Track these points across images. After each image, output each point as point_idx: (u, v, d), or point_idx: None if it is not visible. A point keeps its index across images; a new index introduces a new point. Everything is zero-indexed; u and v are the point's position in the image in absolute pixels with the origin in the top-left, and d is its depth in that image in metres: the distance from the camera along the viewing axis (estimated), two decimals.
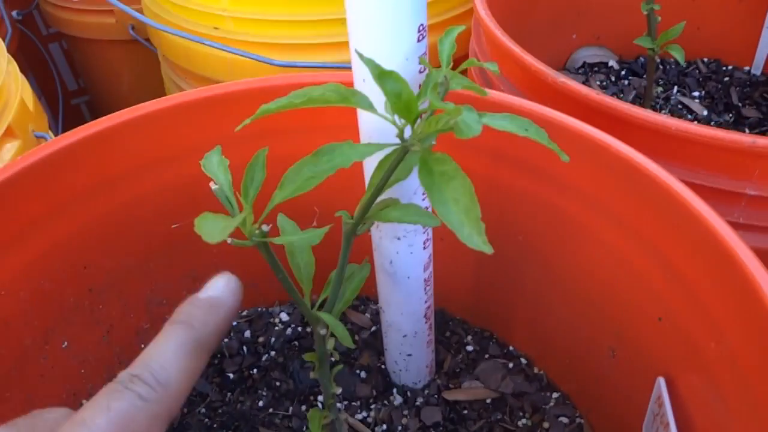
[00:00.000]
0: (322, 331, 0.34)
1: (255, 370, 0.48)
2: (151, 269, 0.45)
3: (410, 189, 0.35)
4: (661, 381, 0.34)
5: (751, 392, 0.28)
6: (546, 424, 0.45)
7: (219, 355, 0.49)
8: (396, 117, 0.27)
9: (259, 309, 0.53)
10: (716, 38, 0.72)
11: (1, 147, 0.50)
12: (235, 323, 0.51)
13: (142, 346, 0.48)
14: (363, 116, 0.33)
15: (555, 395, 0.47)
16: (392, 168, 0.29)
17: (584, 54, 0.73)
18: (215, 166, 0.31)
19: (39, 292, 0.39)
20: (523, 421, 0.45)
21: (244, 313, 0.52)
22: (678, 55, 0.55)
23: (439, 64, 0.30)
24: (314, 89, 0.27)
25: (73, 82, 1.26)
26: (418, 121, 0.26)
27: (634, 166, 0.34)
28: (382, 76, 0.25)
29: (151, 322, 0.47)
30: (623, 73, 0.72)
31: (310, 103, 0.26)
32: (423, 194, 0.36)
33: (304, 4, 0.59)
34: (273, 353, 0.49)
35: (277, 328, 0.51)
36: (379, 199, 0.34)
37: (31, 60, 1.16)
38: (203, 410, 0.46)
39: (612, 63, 0.73)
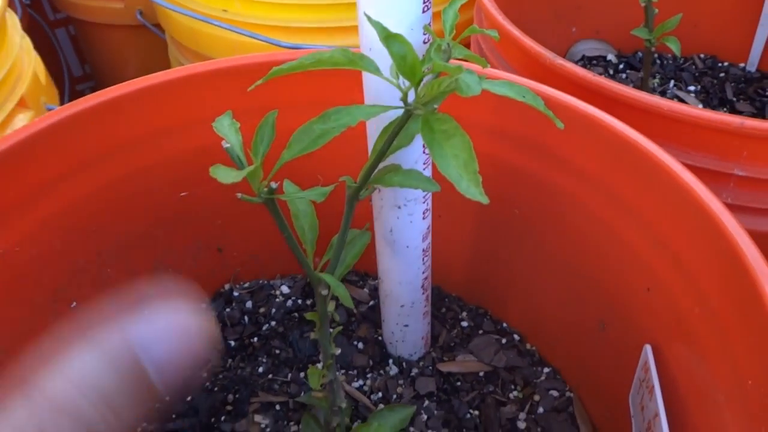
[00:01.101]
0: (324, 292, 0.35)
1: (255, 339, 0.50)
2: (158, 237, 0.47)
3: (412, 158, 0.36)
4: (647, 348, 0.36)
5: (731, 349, 0.29)
6: (536, 397, 0.47)
7: (221, 324, 0.51)
8: (401, 80, 0.28)
9: (261, 281, 0.54)
10: (713, 35, 0.74)
11: (14, 117, 0.51)
12: (237, 294, 0.53)
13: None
14: (368, 83, 0.35)
15: (546, 370, 0.48)
16: (395, 131, 0.30)
17: (583, 47, 0.75)
18: (226, 128, 0.32)
19: (50, 251, 0.40)
20: (515, 393, 0.47)
21: (246, 285, 0.54)
22: (674, 46, 0.56)
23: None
24: (323, 53, 0.28)
25: (79, 67, 1.27)
26: (422, 84, 0.28)
27: (627, 141, 0.35)
28: (388, 38, 0.27)
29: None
30: (621, 66, 0.74)
31: (319, 65, 0.28)
32: (424, 164, 0.37)
33: None
34: (273, 323, 0.51)
35: (278, 299, 0.53)
36: (381, 165, 0.36)
37: (38, 45, 1.16)
38: (204, 375, 0.48)
39: (610, 57, 0.75)
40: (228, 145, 0.31)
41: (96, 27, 1.01)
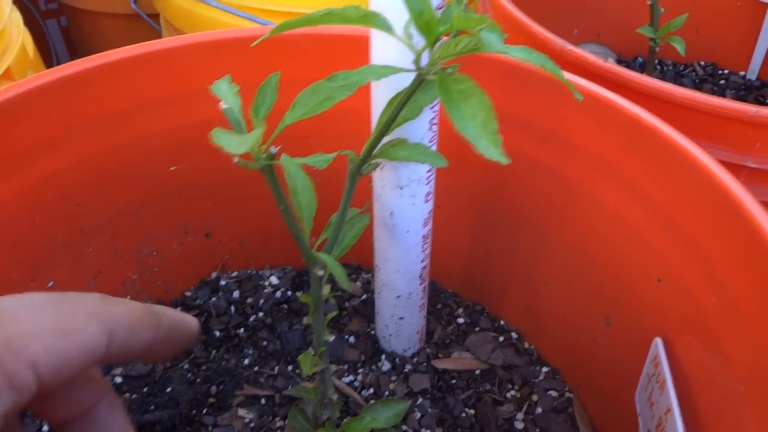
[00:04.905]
0: (320, 272, 0.33)
1: (242, 330, 0.48)
2: (144, 217, 0.44)
3: (419, 133, 0.34)
4: (658, 341, 0.34)
5: (751, 339, 0.28)
6: (535, 397, 0.45)
7: (206, 314, 0.48)
8: (414, 40, 0.27)
9: (249, 271, 0.52)
10: (714, 42, 0.74)
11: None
12: (224, 283, 0.50)
13: (128, 297, 0.47)
14: (377, 47, 0.33)
15: (545, 369, 0.46)
16: (405, 99, 0.29)
17: (584, 50, 0.74)
18: (225, 90, 0.30)
19: (29, 224, 0.38)
20: (512, 392, 0.45)
21: (234, 274, 0.51)
22: (679, 46, 0.55)
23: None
24: (335, 7, 0.27)
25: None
26: (437, 45, 0.26)
27: (640, 122, 0.34)
28: None
29: (139, 272, 0.46)
30: None
31: (329, 19, 0.26)
32: (430, 141, 0.35)
33: None
34: (261, 314, 0.49)
35: (266, 290, 0.50)
36: (386, 140, 0.34)
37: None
38: (186, 366, 0.45)
39: (611, 60, 0.74)
40: (227, 106, 0.29)
41: (89, 15, 1.00)
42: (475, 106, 0.24)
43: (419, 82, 0.27)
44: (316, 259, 0.33)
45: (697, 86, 0.71)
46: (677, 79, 0.71)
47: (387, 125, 0.30)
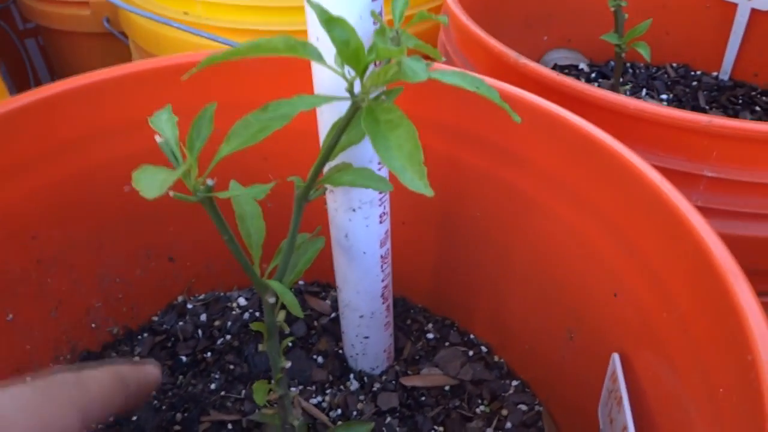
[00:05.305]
0: (271, 300, 0.33)
1: (209, 354, 0.47)
2: (104, 244, 0.44)
3: (365, 156, 0.34)
4: (615, 357, 0.34)
5: (701, 356, 0.27)
6: (504, 412, 0.44)
7: (173, 338, 0.48)
8: (346, 70, 0.26)
9: (217, 293, 0.52)
10: (685, 43, 0.73)
11: None
12: (191, 306, 0.50)
13: (93, 325, 0.46)
14: (317, 75, 0.33)
15: (514, 383, 0.46)
16: (343, 126, 0.28)
17: (555, 56, 0.74)
18: (163, 122, 0.30)
19: None
20: (482, 408, 0.45)
21: (201, 297, 0.51)
22: (644, 51, 0.55)
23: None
24: (262, 39, 0.26)
25: (48, 78, 1.24)
26: (368, 73, 0.26)
27: (591, 139, 0.34)
28: (329, 21, 0.25)
29: (103, 300, 0.46)
30: (593, 75, 0.73)
31: (256, 51, 0.26)
32: (379, 163, 0.35)
33: None
34: (228, 337, 0.48)
35: (234, 312, 0.50)
36: (333, 164, 0.34)
37: (7, 55, 1.15)
38: (152, 393, 0.45)
39: (582, 65, 0.74)
40: (161, 140, 0.29)
41: (63, 35, 0.99)
42: (402, 137, 0.24)
43: (355, 110, 0.27)
44: (267, 287, 0.32)
45: (670, 88, 0.70)
46: (649, 81, 0.71)
47: (328, 151, 0.30)
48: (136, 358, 0.47)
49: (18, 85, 1.18)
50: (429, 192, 0.22)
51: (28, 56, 1.20)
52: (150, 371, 0.33)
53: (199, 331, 0.48)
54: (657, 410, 0.31)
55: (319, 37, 0.31)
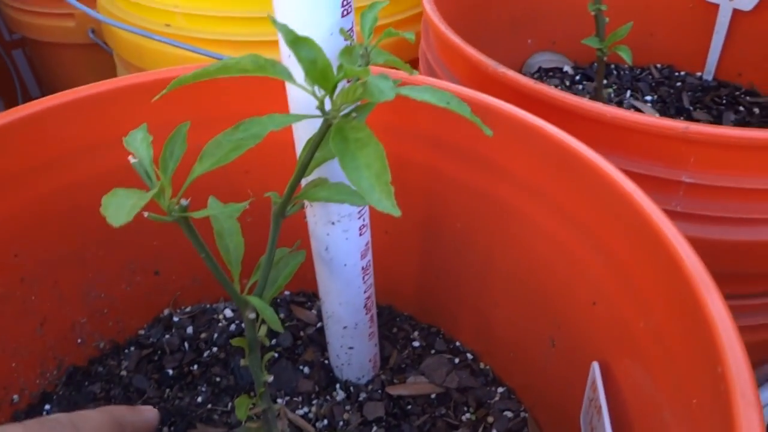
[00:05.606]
0: (251, 316, 0.33)
1: (195, 366, 0.47)
2: (88, 260, 0.44)
3: (342, 172, 0.34)
4: (595, 365, 0.34)
5: (675, 365, 0.28)
6: (490, 419, 0.44)
7: (159, 352, 0.48)
8: (316, 88, 0.26)
9: (203, 305, 0.52)
10: (669, 45, 0.74)
11: None
12: (177, 319, 0.50)
13: (79, 341, 0.46)
14: (290, 92, 0.33)
15: (500, 390, 0.46)
16: (316, 143, 0.28)
17: (539, 59, 0.74)
18: (138, 141, 0.30)
19: None
20: (468, 415, 0.45)
21: (188, 310, 0.51)
22: (626, 55, 0.55)
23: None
24: (231, 59, 0.26)
25: (36, 89, 1.24)
26: (337, 91, 0.26)
27: (565, 148, 0.34)
28: (296, 42, 0.25)
29: (88, 315, 0.46)
30: (578, 78, 0.73)
31: (224, 72, 0.26)
32: None
33: (256, 2, 0.58)
34: (215, 349, 0.48)
35: (220, 324, 0.50)
36: (309, 179, 0.34)
37: None
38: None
39: (567, 68, 0.74)
40: (135, 161, 0.29)
41: (49, 46, 0.99)
42: (370, 156, 0.24)
43: (327, 126, 0.27)
44: (247, 303, 0.33)
45: (654, 89, 0.71)
46: (634, 83, 0.71)
47: (303, 167, 0.30)
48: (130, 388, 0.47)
49: (5, 95, 1.18)
50: (396, 212, 0.22)
51: (15, 67, 1.20)
52: (147, 415, 0.33)
53: (186, 344, 0.49)
54: (636, 419, 0.32)
55: (291, 55, 0.31)
